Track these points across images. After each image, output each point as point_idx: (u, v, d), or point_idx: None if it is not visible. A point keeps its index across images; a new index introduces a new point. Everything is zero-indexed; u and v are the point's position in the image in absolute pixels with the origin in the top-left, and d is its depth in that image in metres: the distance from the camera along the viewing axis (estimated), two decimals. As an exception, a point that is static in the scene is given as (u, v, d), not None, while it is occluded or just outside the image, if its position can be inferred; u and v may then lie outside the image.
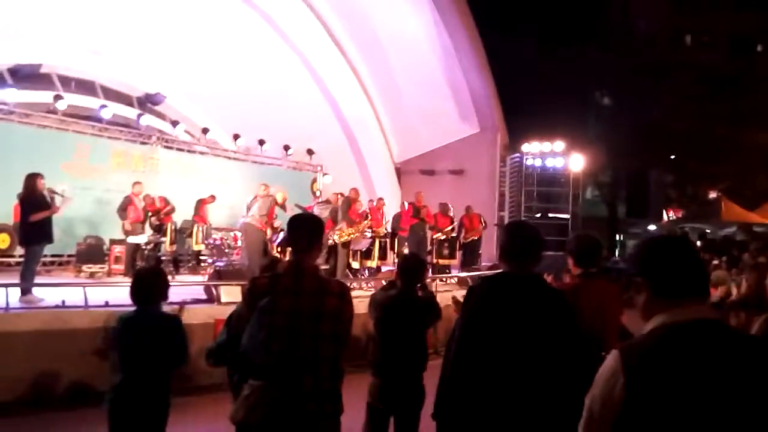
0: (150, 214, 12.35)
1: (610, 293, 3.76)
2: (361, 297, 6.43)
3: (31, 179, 8.50)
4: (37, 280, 8.72)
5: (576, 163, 19.07)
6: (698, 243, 21.10)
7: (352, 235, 12.08)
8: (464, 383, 2.86)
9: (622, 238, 32.39)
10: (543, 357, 2.79)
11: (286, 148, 18.46)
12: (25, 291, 8.07)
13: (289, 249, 7.52)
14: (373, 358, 4.54)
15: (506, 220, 18.05)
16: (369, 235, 12.59)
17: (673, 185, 32.82)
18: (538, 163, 19.24)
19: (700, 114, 25.43)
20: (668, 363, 1.71)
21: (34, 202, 8.42)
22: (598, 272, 3.83)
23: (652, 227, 32.33)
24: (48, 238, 8.57)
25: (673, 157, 29.53)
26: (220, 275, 9.83)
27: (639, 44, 26.43)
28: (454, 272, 14.16)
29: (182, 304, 4.99)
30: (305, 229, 3.23)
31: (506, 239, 3.09)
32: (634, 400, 1.71)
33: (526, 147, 19.18)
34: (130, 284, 4.14)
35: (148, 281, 4.11)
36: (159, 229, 12.57)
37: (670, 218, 32.49)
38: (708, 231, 26.23)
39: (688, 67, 26.88)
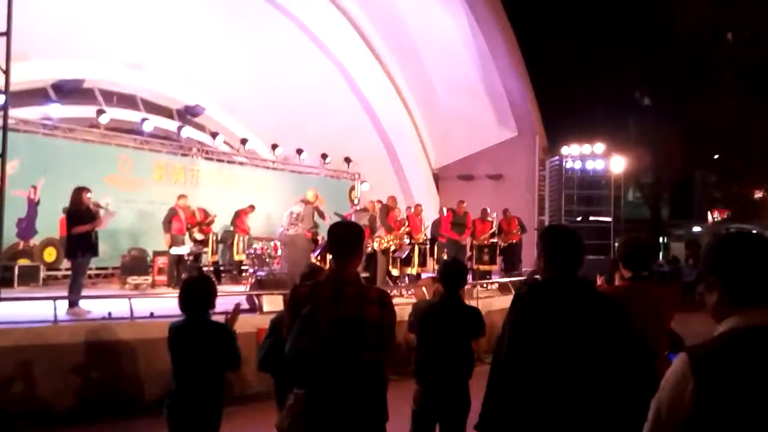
0: (190, 226, 12.50)
1: (662, 297, 3.70)
2: (401, 304, 6.40)
3: (78, 192, 8.67)
4: (84, 292, 8.86)
5: (617, 164, 18.72)
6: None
7: (391, 243, 12.06)
8: (513, 393, 2.78)
9: (665, 241, 31.74)
10: (596, 363, 2.70)
11: (324, 156, 18.53)
12: (73, 303, 8.22)
13: (330, 257, 7.51)
14: (417, 366, 4.50)
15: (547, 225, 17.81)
16: (408, 242, 12.54)
17: (717, 185, 32.04)
18: (578, 165, 18.92)
19: (744, 111, 24.72)
20: (741, 368, 1.65)
21: (79, 215, 8.57)
22: (649, 276, 3.76)
23: (696, 229, 31.66)
24: (93, 250, 8.71)
25: (717, 156, 28.84)
26: (261, 284, 9.88)
27: (679, 42, 25.86)
28: (495, 278, 14.01)
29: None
30: (346, 237, 3.21)
31: (545, 244, 2.99)
32: (704, 405, 1.65)
33: (565, 150, 18.90)
34: (178, 293, 4.13)
35: (196, 289, 4.10)
36: (202, 241, 12.74)
37: (716, 219, 31.78)
38: (754, 232, 25.59)
39: (730, 64, 26.23)
